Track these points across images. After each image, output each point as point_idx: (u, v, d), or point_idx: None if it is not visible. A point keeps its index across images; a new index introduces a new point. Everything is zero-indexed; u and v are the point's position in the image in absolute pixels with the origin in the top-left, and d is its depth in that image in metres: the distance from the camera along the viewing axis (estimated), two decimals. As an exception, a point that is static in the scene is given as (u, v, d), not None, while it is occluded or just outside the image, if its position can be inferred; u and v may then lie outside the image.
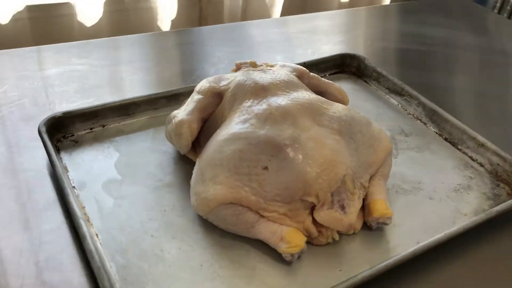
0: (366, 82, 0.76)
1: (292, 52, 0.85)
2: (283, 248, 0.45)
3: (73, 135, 0.59)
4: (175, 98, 0.64)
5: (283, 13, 1.74)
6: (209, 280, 0.43)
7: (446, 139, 0.65)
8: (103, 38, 0.85)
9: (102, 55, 0.78)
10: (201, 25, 1.61)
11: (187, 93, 0.64)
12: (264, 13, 1.72)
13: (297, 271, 0.45)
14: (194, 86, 0.58)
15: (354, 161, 0.49)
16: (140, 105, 0.62)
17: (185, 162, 0.56)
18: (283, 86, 0.53)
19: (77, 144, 0.58)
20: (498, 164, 0.59)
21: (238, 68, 0.58)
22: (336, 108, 0.52)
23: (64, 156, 0.55)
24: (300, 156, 0.46)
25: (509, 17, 1.75)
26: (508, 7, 1.75)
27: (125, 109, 0.61)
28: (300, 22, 0.98)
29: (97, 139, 0.59)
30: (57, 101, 0.65)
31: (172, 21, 1.54)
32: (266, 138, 0.46)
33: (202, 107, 0.53)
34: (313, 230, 0.47)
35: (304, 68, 0.59)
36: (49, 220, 0.48)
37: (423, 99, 0.68)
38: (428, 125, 0.67)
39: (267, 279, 0.44)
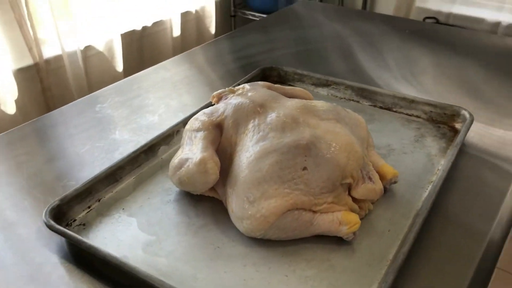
0: (292, 85, 0.84)
1: (198, 88, 0.89)
2: (344, 230, 0.50)
3: (75, 219, 0.55)
4: (152, 150, 0.64)
5: (126, 69, 1.71)
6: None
7: (381, 107, 0.77)
8: None
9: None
10: (46, 97, 1.50)
11: (159, 143, 0.65)
12: (110, 70, 1.67)
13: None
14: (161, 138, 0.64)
15: (357, 140, 0.56)
16: (125, 168, 0.60)
17: (203, 200, 0.57)
18: (272, 99, 0.58)
19: (85, 226, 0.54)
20: (431, 111, 0.73)
21: (219, 98, 0.61)
22: (317, 103, 0.59)
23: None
24: (328, 148, 0.51)
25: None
26: None
27: (113, 176, 0.59)
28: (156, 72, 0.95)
29: (102, 214, 0.56)
30: None
31: (16, 101, 1.40)
32: (294, 143, 0.51)
33: (211, 141, 0.55)
34: (356, 206, 0.53)
35: (269, 83, 0.65)
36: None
37: (349, 82, 0.80)
38: (361, 101, 0.79)
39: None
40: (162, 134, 0.66)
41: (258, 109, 0.56)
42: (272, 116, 0.54)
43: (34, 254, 0.51)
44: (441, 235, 0.53)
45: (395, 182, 0.58)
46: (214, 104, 0.61)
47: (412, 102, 0.74)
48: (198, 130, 0.56)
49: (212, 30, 2.10)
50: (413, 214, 0.55)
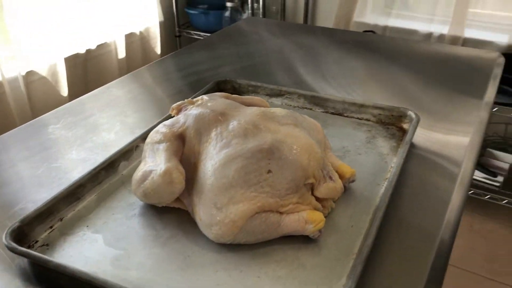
0: (245, 96, 0.86)
1: (152, 104, 0.89)
2: (311, 229, 0.52)
3: (37, 241, 0.53)
4: (112, 166, 0.63)
5: (71, 93, 1.67)
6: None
7: (333, 113, 0.80)
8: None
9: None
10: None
11: (119, 159, 0.64)
12: (55, 95, 1.62)
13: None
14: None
15: (315, 142, 0.59)
16: (85, 186, 0.59)
17: (168, 212, 0.57)
18: (232, 108, 0.59)
19: (49, 246, 0.53)
20: (379, 114, 0.77)
21: (178, 110, 0.61)
22: (276, 110, 0.61)
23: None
24: (290, 151, 0.53)
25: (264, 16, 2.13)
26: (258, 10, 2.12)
27: (74, 194, 0.58)
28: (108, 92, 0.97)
29: (66, 233, 0.54)
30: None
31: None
32: (257, 147, 0.52)
33: (174, 151, 0.55)
34: (319, 205, 0.55)
35: (226, 93, 0.66)
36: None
37: (301, 91, 0.83)
38: (313, 109, 0.82)
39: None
40: (121, 150, 0.65)
41: (220, 117, 0.57)
42: (233, 124, 0.56)
43: (-4, 279, 0.49)
44: (398, 230, 0.56)
45: (353, 181, 0.61)
46: (173, 116, 0.62)
47: (361, 106, 0.78)
48: (160, 142, 0.56)
49: (158, 50, 2.10)
50: (372, 209, 0.58)
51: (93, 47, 1.80)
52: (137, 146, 0.67)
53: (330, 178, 0.56)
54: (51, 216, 0.55)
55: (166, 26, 2.22)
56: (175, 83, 0.96)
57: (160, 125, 0.59)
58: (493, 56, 1.08)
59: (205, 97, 0.63)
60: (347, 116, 0.79)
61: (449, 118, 0.81)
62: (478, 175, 1.73)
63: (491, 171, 1.74)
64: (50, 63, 1.61)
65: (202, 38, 2.18)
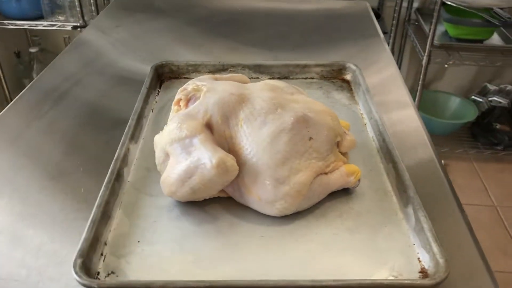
0: (188, 78, 0.84)
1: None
2: (352, 180, 0.58)
3: (98, 272, 0.48)
4: (120, 175, 0.58)
5: None
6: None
7: (279, 78, 0.85)
8: None
9: None
10: None
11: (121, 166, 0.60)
12: None
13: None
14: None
15: (319, 104, 0.64)
16: (109, 202, 0.54)
17: (207, 205, 0.57)
18: (241, 87, 0.60)
19: (117, 273, 0.48)
20: (322, 71, 0.85)
21: (187, 100, 0.59)
22: (274, 82, 0.64)
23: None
24: (317, 116, 0.57)
25: None
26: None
27: (105, 213, 0.53)
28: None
29: (122, 255, 0.50)
30: None
31: None
32: (294, 118, 0.55)
33: (212, 140, 0.54)
34: (345, 158, 0.61)
35: (210, 75, 0.66)
36: None
37: (244, 62, 0.85)
38: (260, 77, 0.85)
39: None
40: (119, 156, 0.60)
41: (240, 99, 0.57)
42: (258, 102, 0.57)
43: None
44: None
45: (347, 132, 0.68)
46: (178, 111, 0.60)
47: (305, 66, 0.85)
48: (191, 136, 0.54)
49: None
50: (375, 151, 0.66)
51: None
52: (128, 149, 0.63)
53: (344, 132, 0.62)
54: (98, 243, 0.50)
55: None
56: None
57: (176, 120, 0.56)
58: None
59: (203, 82, 0.61)
60: (293, 78, 0.85)
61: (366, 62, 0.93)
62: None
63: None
64: None
65: (18, 28, 1.93)
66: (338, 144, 0.60)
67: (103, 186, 0.55)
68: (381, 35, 1.05)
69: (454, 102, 2.25)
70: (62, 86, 0.85)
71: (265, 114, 0.56)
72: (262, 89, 0.60)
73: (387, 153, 0.63)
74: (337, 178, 0.57)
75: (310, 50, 1.00)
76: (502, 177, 2.09)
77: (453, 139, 2.16)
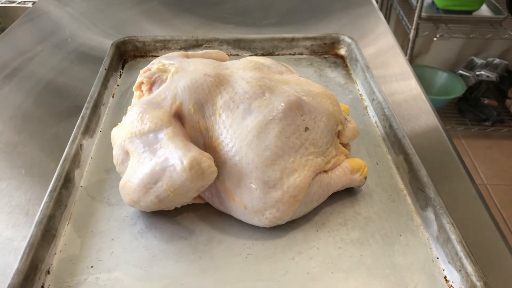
0: (155, 56, 0.72)
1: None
2: (358, 178, 0.47)
3: (38, 313, 0.37)
4: (68, 180, 0.46)
5: None
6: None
7: (263, 54, 0.73)
8: None
9: None
10: None
11: (72, 167, 0.48)
12: None
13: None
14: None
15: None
16: (55, 216, 0.42)
17: (179, 214, 0.45)
18: (217, 67, 0.48)
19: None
20: (312, 45, 0.73)
21: (151, 84, 0.47)
22: (260, 59, 0.52)
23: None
24: (314, 100, 0.46)
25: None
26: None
27: (49, 232, 0.41)
28: None
29: (70, 286, 0.38)
30: None
31: None
32: (286, 104, 0.44)
33: (183, 135, 0.43)
34: (347, 151, 0.50)
35: (180, 52, 0.53)
36: None
37: (222, 37, 0.73)
38: (240, 54, 0.73)
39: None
40: (67, 156, 0.48)
41: (217, 81, 0.45)
42: (240, 84, 0.45)
43: None
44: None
45: (346, 118, 0.57)
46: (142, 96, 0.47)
47: (292, 40, 0.73)
48: (155, 129, 0.42)
49: None
50: (379, 140, 0.55)
51: None
52: (81, 145, 0.51)
53: (345, 119, 0.51)
54: (37, 272, 0.38)
55: None
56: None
57: (138, 108, 0.44)
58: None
59: (167, 60, 0.49)
60: (278, 55, 0.73)
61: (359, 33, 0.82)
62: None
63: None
64: None
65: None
66: (338, 134, 0.49)
67: (46, 195, 0.43)
68: (374, 3, 0.94)
69: (441, 77, 2.16)
70: (14, 62, 0.72)
71: (249, 100, 0.44)
72: (244, 68, 0.48)
73: (396, 142, 0.52)
74: (339, 177, 0.46)
75: (296, 22, 0.88)
76: (491, 154, 2.02)
77: (440, 116, 2.08)
